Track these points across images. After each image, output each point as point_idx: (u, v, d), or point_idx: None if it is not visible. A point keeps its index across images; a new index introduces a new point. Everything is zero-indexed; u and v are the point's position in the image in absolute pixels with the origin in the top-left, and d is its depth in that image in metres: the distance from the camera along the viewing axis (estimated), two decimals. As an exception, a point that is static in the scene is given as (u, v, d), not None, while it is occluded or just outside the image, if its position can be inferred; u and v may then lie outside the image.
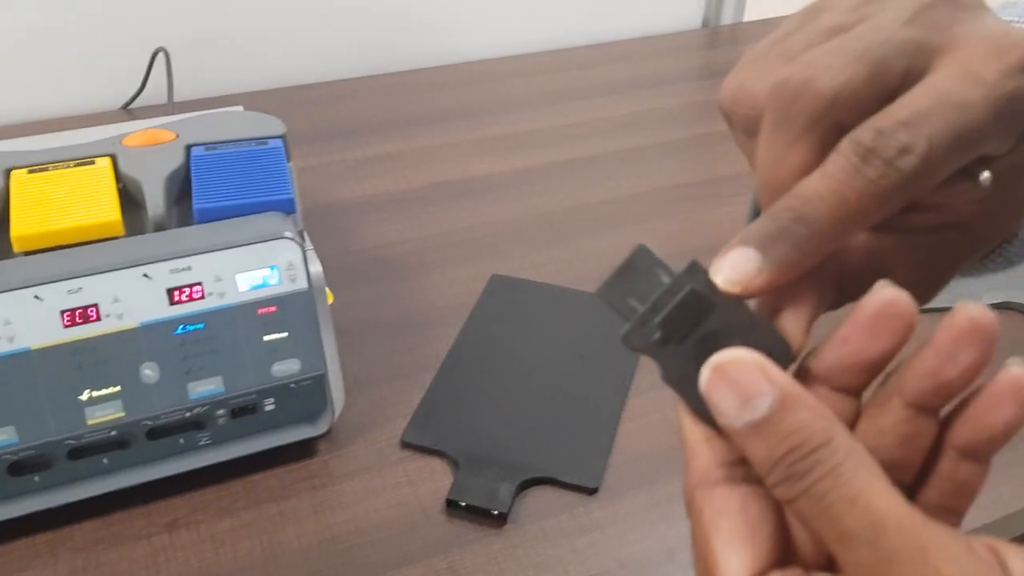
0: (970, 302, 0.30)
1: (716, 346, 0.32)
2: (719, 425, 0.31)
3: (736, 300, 0.33)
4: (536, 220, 1.05)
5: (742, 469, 0.32)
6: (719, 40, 1.55)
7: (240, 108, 0.89)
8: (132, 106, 1.26)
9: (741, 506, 0.31)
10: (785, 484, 0.29)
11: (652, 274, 0.34)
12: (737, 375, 0.30)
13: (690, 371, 0.32)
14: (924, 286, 0.37)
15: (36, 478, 0.67)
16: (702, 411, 0.32)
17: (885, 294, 0.31)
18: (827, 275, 0.35)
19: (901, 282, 0.31)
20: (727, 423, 0.30)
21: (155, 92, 1.25)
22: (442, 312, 0.90)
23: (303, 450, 0.75)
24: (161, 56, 1.23)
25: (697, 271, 0.34)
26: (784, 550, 0.32)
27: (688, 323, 0.33)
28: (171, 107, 1.20)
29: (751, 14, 1.61)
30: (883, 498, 0.28)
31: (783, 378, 0.30)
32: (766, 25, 1.58)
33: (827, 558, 0.33)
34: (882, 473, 0.28)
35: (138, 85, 1.25)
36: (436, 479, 0.74)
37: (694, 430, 0.33)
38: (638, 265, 0.34)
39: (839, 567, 0.29)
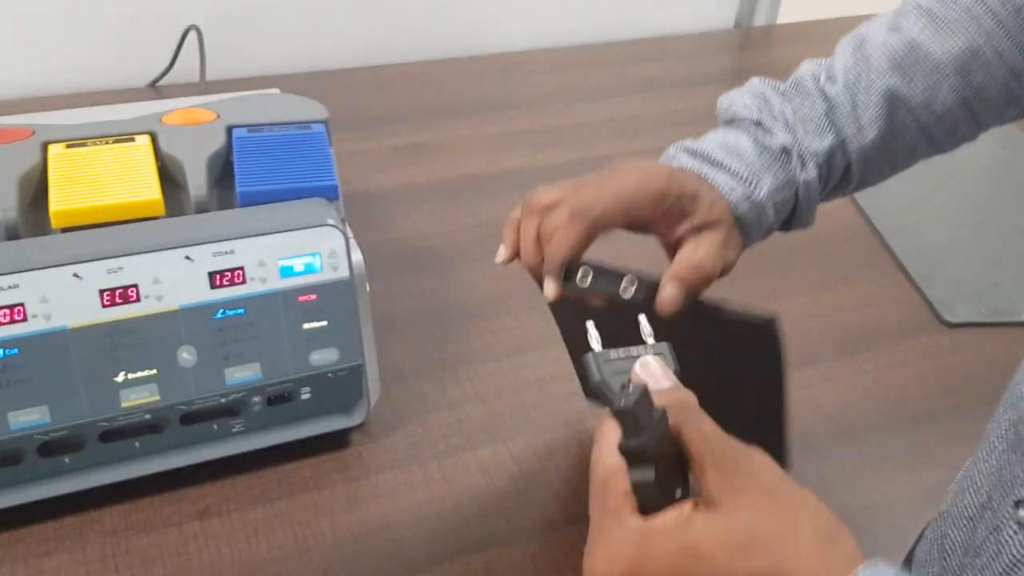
0: None
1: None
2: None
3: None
4: (570, 216, 1.04)
5: None
6: (751, 42, 1.53)
7: (276, 90, 0.88)
8: (160, 83, 1.25)
9: None
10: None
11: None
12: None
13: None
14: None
15: (67, 460, 0.66)
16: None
17: None
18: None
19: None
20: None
21: (181, 70, 1.24)
22: (480, 306, 0.89)
23: (337, 441, 0.74)
24: (192, 34, 1.22)
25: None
26: None
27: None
28: (204, 86, 1.18)
29: (785, 16, 1.59)
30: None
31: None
32: (799, 28, 1.57)
33: None
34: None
35: (165, 62, 1.24)
36: (471, 477, 0.72)
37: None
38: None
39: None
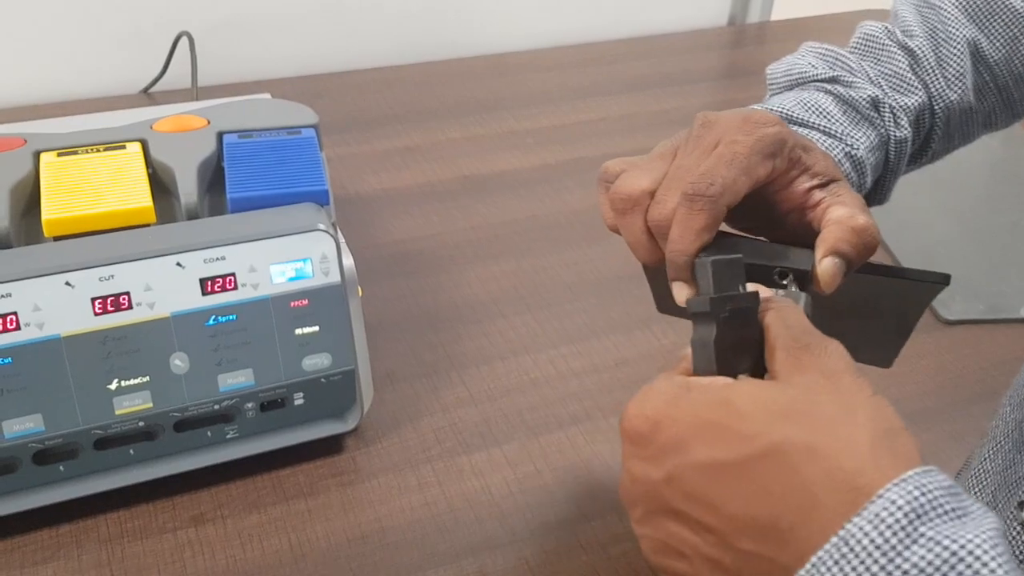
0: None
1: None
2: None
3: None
4: (564, 217, 1.04)
5: None
6: (745, 39, 1.53)
7: (267, 95, 0.88)
8: (152, 90, 1.25)
9: None
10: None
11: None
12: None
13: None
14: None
15: (61, 467, 0.66)
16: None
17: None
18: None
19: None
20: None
21: (174, 76, 1.24)
22: (472, 308, 0.89)
23: (331, 446, 0.74)
24: (183, 40, 1.22)
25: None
26: None
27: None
28: (195, 92, 1.18)
29: (779, 13, 1.59)
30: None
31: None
32: (794, 24, 1.57)
33: None
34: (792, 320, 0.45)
35: (157, 69, 1.24)
36: (465, 480, 0.73)
37: None
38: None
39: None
